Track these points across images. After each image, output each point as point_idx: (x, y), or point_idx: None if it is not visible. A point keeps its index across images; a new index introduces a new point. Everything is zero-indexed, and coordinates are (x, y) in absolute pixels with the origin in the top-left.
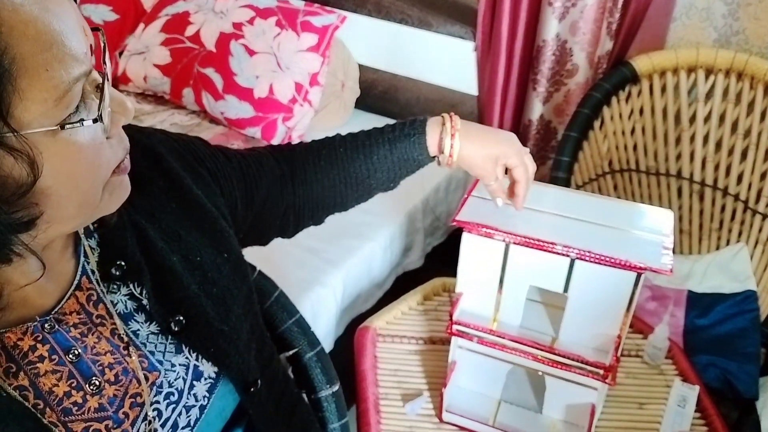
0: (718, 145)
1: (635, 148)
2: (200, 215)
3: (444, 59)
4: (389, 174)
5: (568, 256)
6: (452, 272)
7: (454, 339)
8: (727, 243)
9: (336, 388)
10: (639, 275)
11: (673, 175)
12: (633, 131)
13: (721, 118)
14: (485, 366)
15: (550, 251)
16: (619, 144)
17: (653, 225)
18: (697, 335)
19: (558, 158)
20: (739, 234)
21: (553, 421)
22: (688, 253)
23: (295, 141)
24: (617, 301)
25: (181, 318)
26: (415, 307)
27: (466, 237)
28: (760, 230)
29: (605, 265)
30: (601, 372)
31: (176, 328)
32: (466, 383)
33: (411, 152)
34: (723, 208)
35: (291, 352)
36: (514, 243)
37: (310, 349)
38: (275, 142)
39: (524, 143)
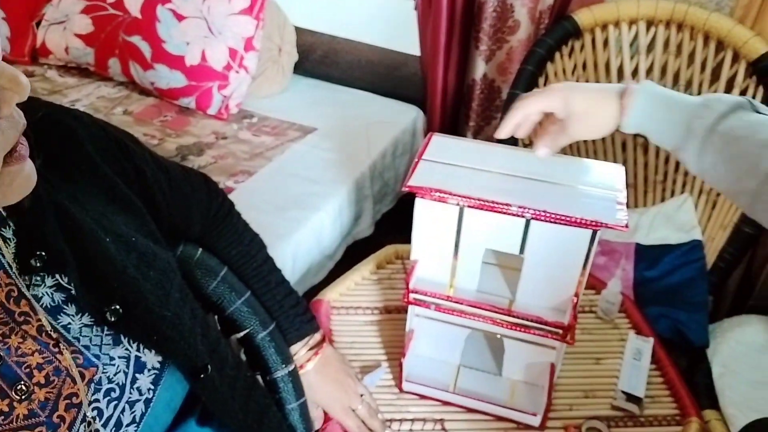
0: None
1: None
2: (125, 202)
3: (384, 19)
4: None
5: (523, 216)
6: (403, 239)
7: (411, 307)
8: (672, 194)
9: (292, 367)
10: (594, 232)
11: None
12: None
13: (663, 70)
14: (443, 332)
15: (505, 213)
16: None
17: (605, 180)
18: (647, 287)
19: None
20: (684, 185)
21: (513, 382)
22: (634, 206)
23: (233, 109)
24: (573, 259)
25: (117, 306)
26: (368, 277)
27: (418, 203)
28: (703, 180)
29: (561, 223)
30: (560, 332)
31: (112, 318)
32: (424, 351)
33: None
34: (667, 160)
35: (242, 334)
36: (469, 206)
37: (262, 328)
38: (211, 111)
39: (469, 104)
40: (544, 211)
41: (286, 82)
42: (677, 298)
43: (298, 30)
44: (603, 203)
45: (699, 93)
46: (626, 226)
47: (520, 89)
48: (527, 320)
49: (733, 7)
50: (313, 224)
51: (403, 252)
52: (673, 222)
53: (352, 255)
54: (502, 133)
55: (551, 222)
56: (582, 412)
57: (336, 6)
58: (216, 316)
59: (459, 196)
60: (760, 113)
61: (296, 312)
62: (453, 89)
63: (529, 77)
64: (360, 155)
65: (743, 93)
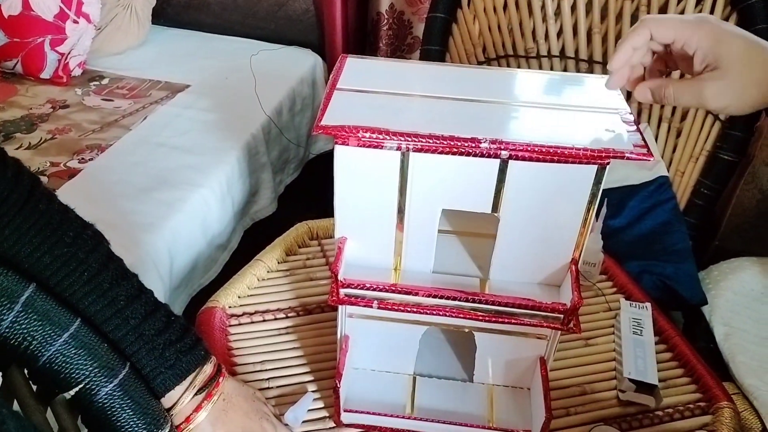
0: (604, 13)
1: (510, 28)
2: None
3: None
4: None
5: (497, 156)
6: (316, 213)
7: (342, 306)
8: None
9: (165, 430)
10: (602, 168)
11: (556, 56)
12: (506, 7)
13: None
14: (391, 334)
15: (470, 153)
16: (492, 24)
17: (596, 95)
18: (617, 239)
19: (426, 48)
20: (639, 113)
21: (490, 389)
22: None
23: (75, 71)
24: (570, 212)
25: None
26: (275, 269)
27: (340, 152)
28: (662, 105)
29: (553, 161)
30: (560, 317)
31: None
32: (366, 363)
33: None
34: None
35: (72, 392)
36: (415, 149)
37: (105, 378)
38: (45, 75)
39: (375, 43)
40: (528, 145)
41: (144, 32)
42: (655, 248)
43: None
44: (604, 125)
45: (649, 3)
46: (648, 153)
47: (441, 11)
48: (513, 306)
49: None
50: (193, 206)
51: (320, 229)
52: None
53: (252, 241)
54: (615, 63)
55: (538, 160)
56: (583, 415)
57: None
58: (26, 370)
59: (400, 134)
60: None
61: (167, 339)
62: (355, 27)
63: None
64: (249, 114)
65: None
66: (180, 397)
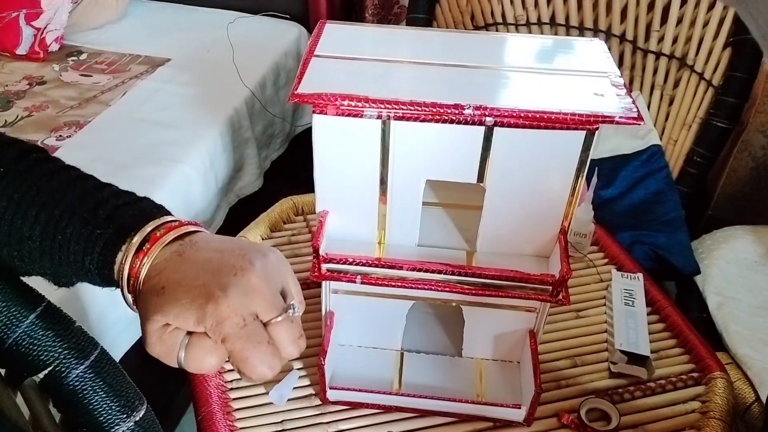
0: None
1: None
2: None
3: None
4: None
5: (482, 123)
6: (303, 189)
7: (325, 282)
8: None
9: (141, 412)
10: (591, 133)
11: (546, 23)
12: None
13: None
14: (376, 310)
15: (454, 120)
16: None
17: (585, 59)
18: (609, 209)
19: (412, 16)
20: (631, 81)
21: (479, 363)
22: None
23: (52, 46)
24: (558, 180)
25: None
26: None
27: (318, 121)
28: (655, 72)
29: (539, 127)
30: (549, 288)
31: None
32: (351, 339)
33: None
34: None
35: (42, 375)
36: (396, 117)
37: (76, 359)
38: (21, 51)
39: (361, 13)
40: (513, 111)
41: (123, 5)
42: (648, 218)
43: None
44: (593, 89)
45: None
46: (639, 117)
47: None
48: (500, 278)
49: None
50: (174, 182)
51: (305, 204)
52: (624, 127)
53: (238, 218)
54: None
55: (524, 126)
56: (574, 388)
57: None
58: None
59: (380, 102)
60: None
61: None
62: (340, 2)
63: None
64: (231, 88)
65: None
66: (123, 258)
